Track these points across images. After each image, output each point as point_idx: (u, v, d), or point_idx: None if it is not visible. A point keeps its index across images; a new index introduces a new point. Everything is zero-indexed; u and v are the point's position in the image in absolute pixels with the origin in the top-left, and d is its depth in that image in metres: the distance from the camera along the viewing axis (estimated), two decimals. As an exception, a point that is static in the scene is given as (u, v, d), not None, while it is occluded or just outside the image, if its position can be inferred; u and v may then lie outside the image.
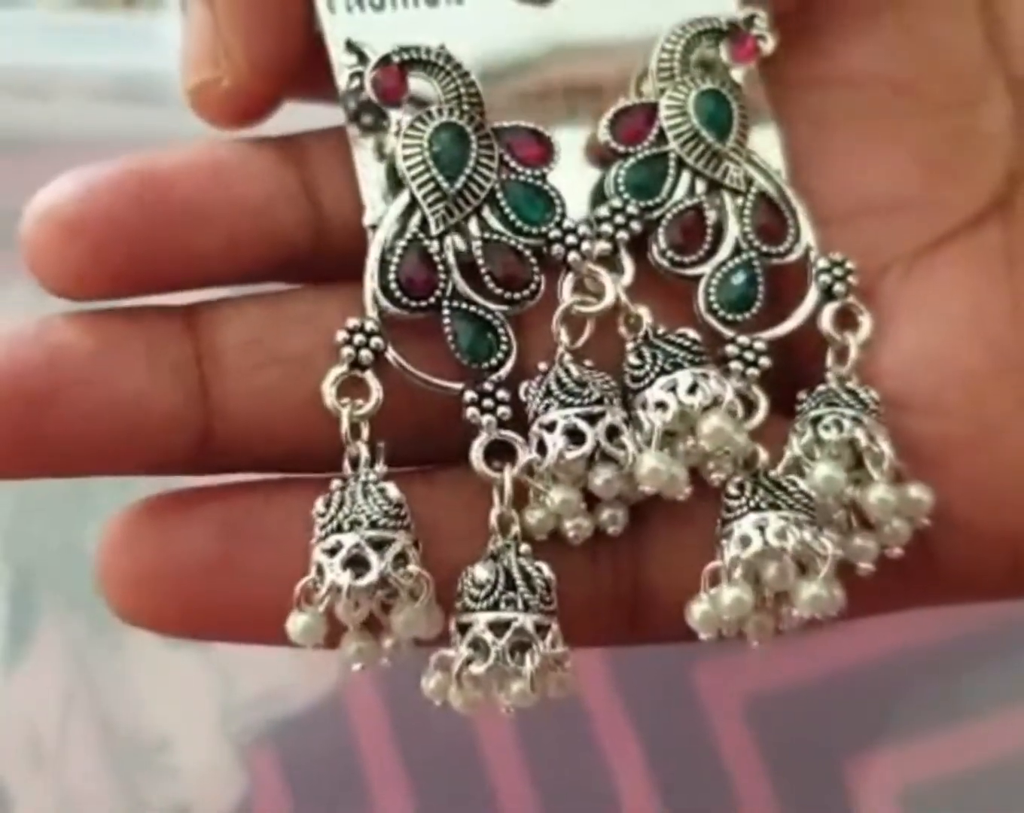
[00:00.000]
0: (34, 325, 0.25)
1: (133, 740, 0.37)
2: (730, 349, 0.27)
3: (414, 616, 0.25)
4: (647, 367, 0.26)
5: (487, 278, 0.27)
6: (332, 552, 0.25)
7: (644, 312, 0.27)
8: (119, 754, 0.37)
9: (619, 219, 0.27)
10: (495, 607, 0.25)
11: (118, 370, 0.25)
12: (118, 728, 0.37)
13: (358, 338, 0.26)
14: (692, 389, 0.26)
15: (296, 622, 0.25)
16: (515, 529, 0.26)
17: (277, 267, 0.27)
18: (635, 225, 0.28)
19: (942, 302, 0.28)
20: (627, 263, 0.27)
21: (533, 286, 0.27)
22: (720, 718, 0.38)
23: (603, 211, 0.28)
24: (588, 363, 0.27)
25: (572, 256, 0.27)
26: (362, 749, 0.38)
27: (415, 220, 0.27)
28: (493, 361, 0.27)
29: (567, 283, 0.27)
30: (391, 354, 0.27)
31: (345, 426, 0.26)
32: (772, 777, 0.38)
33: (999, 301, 0.28)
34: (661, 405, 0.26)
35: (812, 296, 0.28)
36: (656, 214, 0.28)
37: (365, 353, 0.26)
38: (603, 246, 0.27)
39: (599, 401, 0.26)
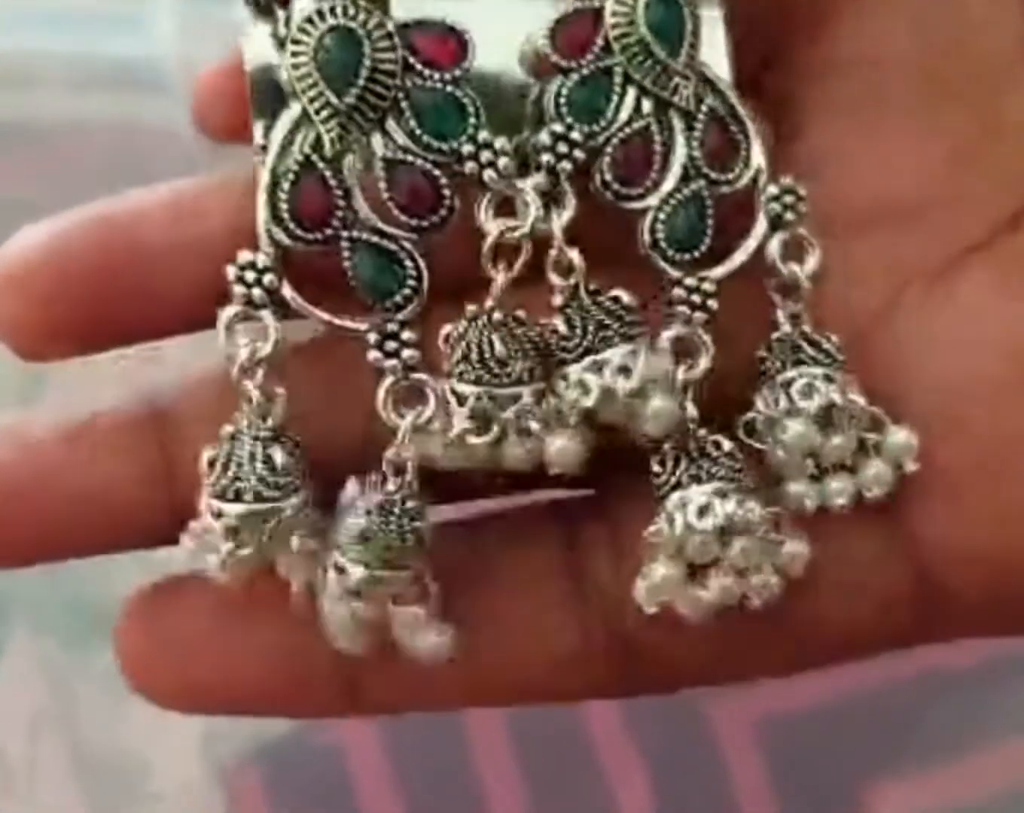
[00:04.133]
0: (10, 424, 0.26)
1: (109, 763, 0.36)
2: (676, 292, 0.25)
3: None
4: (576, 338, 0.24)
5: (391, 202, 0.24)
6: (217, 515, 0.24)
7: (576, 258, 0.25)
8: (94, 778, 0.36)
9: (562, 147, 0.25)
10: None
11: (85, 461, 0.25)
12: (93, 751, 0.36)
13: (249, 275, 0.24)
14: (622, 370, 0.24)
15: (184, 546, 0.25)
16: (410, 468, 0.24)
17: None
18: (578, 153, 0.25)
19: (965, 317, 0.26)
20: (569, 198, 0.25)
21: (443, 211, 0.24)
22: (730, 742, 0.37)
23: (544, 138, 0.25)
24: (519, 314, 0.24)
25: (488, 174, 0.25)
26: (350, 771, 0.37)
27: (310, 138, 0.24)
28: (399, 298, 0.24)
29: (484, 205, 0.25)
30: (287, 291, 0.24)
31: (239, 363, 0.24)
32: (783, 803, 0.37)
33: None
34: (583, 385, 0.24)
35: (760, 226, 0.26)
36: (600, 139, 0.25)
37: (258, 292, 0.24)
38: (539, 180, 0.25)
39: (518, 380, 0.24)
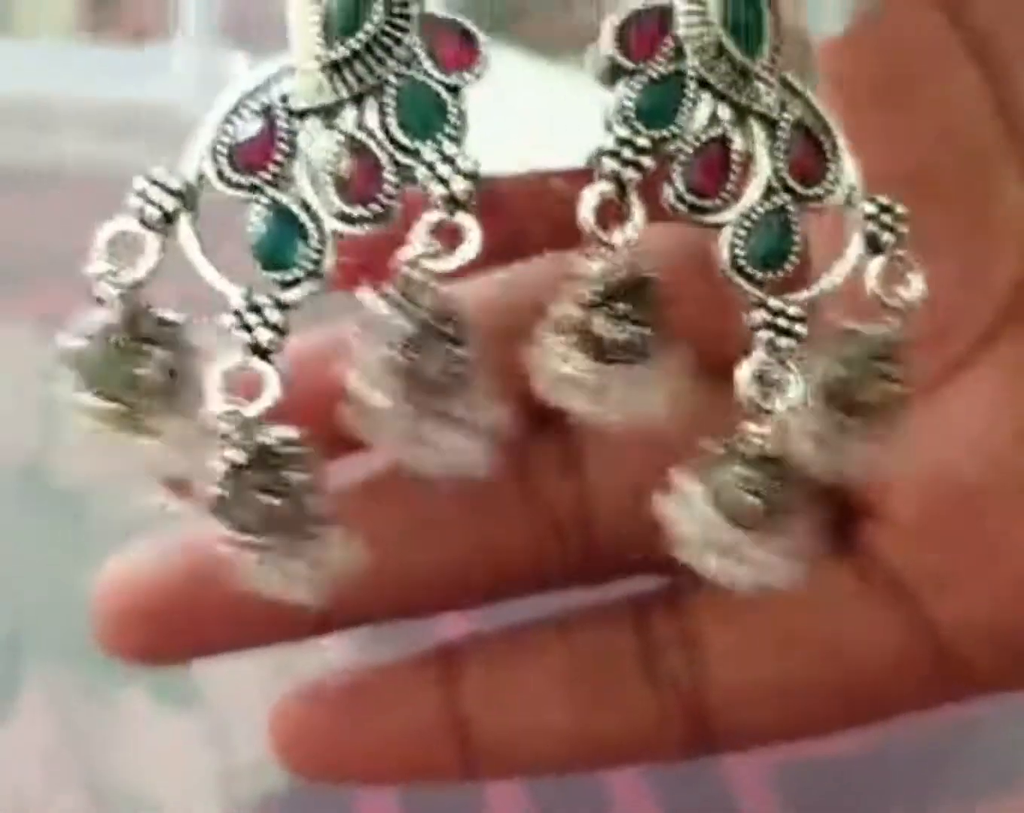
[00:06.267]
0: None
1: (124, 806, 0.35)
2: (759, 315, 0.23)
3: None
4: None
5: (330, 181, 0.22)
6: None
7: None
8: (109, 817, 0.35)
9: (627, 153, 0.22)
10: None
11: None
12: (108, 793, 0.35)
13: (154, 191, 0.22)
14: None
15: None
16: None
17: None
18: (646, 161, 0.22)
19: (951, 427, 0.27)
20: (636, 209, 0.22)
21: (378, 207, 0.22)
22: (747, 788, 0.35)
23: (608, 143, 0.22)
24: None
25: (437, 190, 0.21)
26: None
27: (285, 87, 0.22)
28: (289, 276, 0.21)
29: (421, 224, 0.21)
30: (185, 224, 0.22)
31: (118, 282, 0.21)
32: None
33: (1009, 420, 0.27)
34: None
35: (855, 247, 0.23)
36: (672, 147, 0.23)
37: (152, 211, 0.22)
38: (606, 187, 0.22)
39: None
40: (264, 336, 0.21)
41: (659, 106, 0.23)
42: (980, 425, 0.27)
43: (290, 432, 0.21)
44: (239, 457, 0.21)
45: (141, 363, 0.22)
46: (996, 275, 0.27)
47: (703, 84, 0.23)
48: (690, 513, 0.23)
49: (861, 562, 0.29)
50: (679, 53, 0.23)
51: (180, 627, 0.28)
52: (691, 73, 0.23)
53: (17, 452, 0.36)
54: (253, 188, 0.22)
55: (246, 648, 0.29)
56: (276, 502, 0.21)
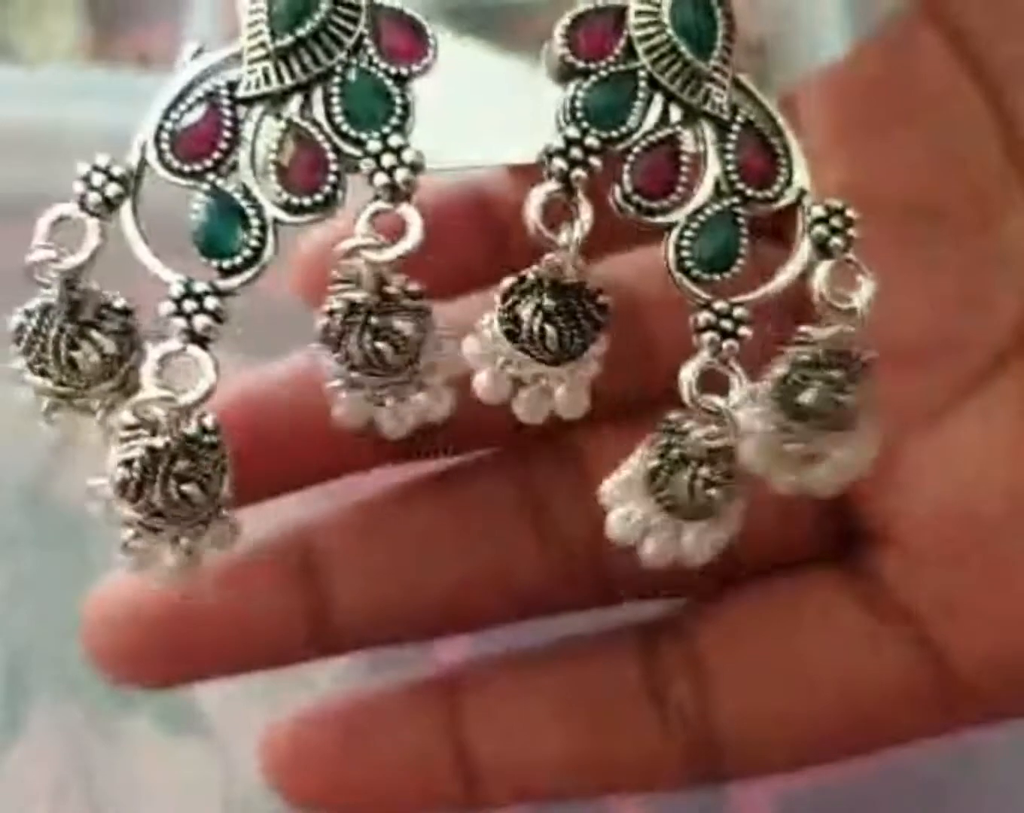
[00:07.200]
0: None
1: None
2: (704, 317, 0.23)
3: None
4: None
5: (273, 169, 0.22)
6: None
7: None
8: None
9: (575, 153, 0.22)
10: None
11: (241, 600, 0.28)
12: None
13: (97, 177, 0.22)
14: None
15: None
16: None
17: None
18: (595, 161, 0.22)
19: (962, 454, 0.27)
20: (584, 210, 0.22)
21: (320, 197, 0.22)
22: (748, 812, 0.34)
23: (556, 143, 0.22)
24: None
25: (380, 180, 0.22)
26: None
27: (232, 73, 0.22)
28: (227, 263, 0.22)
29: (364, 214, 0.22)
30: (127, 210, 0.22)
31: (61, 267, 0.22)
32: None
33: (1019, 447, 0.27)
34: None
35: (804, 250, 0.23)
36: (621, 147, 0.23)
37: (94, 196, 0.22)
38: (552, 187, 0.22)
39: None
40: (201, 323, 0.21)
41: (609, 106, 0.23)
42: (990, 452, 0.27)
43: (210, 420, 0.22)
44: (160, 444, 0.21)
45: (78, 345, 0.22)
46: (1003, 300, 0.27)
47: (654, 84, 0.23)
48: (632, 513, 0.23)
49: (868, 588, 0.29)
50: (630, 53, 0.23)
51: (166, 651, 0.28)
52: (642, 73, 0.23)
53: (18, 482, 0.36)
54: (194, 175, 0.22)
55: (240, 671, 0.29)
56: (189, 489, 0.21)
